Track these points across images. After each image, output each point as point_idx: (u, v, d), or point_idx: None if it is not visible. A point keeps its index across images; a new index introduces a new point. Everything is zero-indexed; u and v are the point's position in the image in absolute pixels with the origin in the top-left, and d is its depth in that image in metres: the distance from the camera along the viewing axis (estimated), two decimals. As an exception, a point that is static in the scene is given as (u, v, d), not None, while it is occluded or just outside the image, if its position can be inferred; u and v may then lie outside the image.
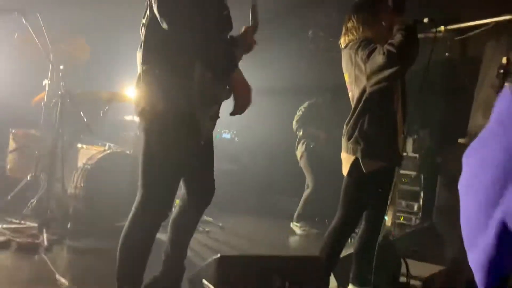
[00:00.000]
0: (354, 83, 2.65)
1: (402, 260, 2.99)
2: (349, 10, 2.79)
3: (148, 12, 2.10)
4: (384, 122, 2.60)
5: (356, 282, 2.86)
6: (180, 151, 2.13)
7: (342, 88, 2.90)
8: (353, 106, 2.66)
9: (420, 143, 5.12)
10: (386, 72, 2.43)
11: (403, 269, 2.98)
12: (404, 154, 5.04)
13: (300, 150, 5.37)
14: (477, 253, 0.52)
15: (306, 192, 5.30)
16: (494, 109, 0.60)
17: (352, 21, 2.71)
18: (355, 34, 2.69)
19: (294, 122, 5.39)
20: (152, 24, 2.07)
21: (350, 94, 2.75)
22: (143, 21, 2.15)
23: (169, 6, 1.95)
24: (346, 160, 2.65)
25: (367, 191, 2.66)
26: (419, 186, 5.03)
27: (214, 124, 2.33)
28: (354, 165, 2.58)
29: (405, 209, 5.09)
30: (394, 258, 3.11)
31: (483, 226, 0.52)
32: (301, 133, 5.34)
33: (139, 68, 2.13)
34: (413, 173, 5.10)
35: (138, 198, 2.14)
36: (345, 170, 2.68)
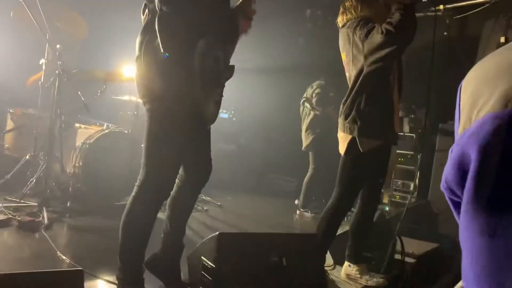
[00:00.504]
0: (352, 62, 2.65)
1: (397, 238, 3.05)
2: None
3: None
4: (381, 101, 2.62)
5: (351, 259, 2.92)
6: (183, 134, 2.16)
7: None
8: (350, 86, 2.67)
9: (417, 122, 5.14)
10: (384, 51, 2.44)
11: (398, 247, 3.05)
12: (401, 133, 5.08)
13: (311, 132, 5.20)
14: None
15: (309, 174, 5.27)
16: None
17: (351, 0, 2.71)
18: (353, 13, 2.69)
19: (314, 101, 5.21)
20: (153, 8, 2.07)
21: (347, 74, 2.76)
22: (145, 10, 2.14)
23: None
24: (343, 139, 2.68)
25: (364, 169, 2.69)
26: (415, 165, 5.08)
27: (219, 108, 2.34)
28: (351, 144, 2.61)
29: (401, 188, 5.15)
30: (389, 235, 3.17)
31: None
32: (317, 113, 5.20)
33: (137, 51, 2.12)
34: (409, 153, 5.14)
35: (141, 177, 2.17)
36: (342, 149, 2.71)
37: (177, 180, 2.36)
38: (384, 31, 2.40)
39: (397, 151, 5.06)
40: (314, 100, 5.22)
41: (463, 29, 5.27)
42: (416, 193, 5.03)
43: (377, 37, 2.44)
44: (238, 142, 6.63)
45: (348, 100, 2.65)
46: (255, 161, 6.68)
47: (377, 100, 2.60)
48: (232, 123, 6.60)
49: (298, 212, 5.24)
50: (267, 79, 6.83)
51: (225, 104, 6.72)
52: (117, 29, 5.23)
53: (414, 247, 3.27)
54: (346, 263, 2.94)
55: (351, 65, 2.66)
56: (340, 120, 2.69)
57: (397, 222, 3.63)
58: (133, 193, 2.20)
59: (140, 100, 5.10)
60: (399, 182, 5.16)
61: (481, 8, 4.40)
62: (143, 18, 2.16)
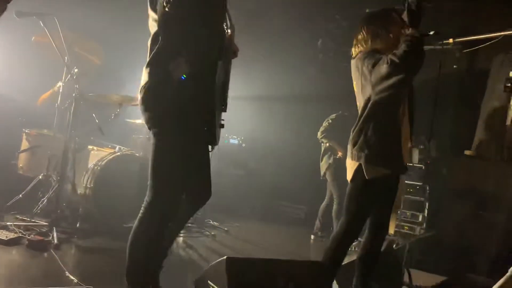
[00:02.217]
0: (361, 92, 2.72)
1: (405, 270, 3.03)
2: (360, 22, 2.87)
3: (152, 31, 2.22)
4: (388, 130, 2.66)
5: None
6: (189, 156, 2.23)
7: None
8: (359, 114, 2.73)
9: (427, 153, 5.15)
10: (390, 81, 2.50)
11: (406, 279, 3.02)
12: (410, 164, 5.08)
13: (325, 161, 5.44)
14: None
15: (325, 204, 5.48)
16: None
17: (362, 33, 2.80)
18: (364, 45, 2.77)
19: (319, 133, 5.50)
20: (155, 39, 2.18)
21: (358, 104, 2.82)
22: (149, 41, 2.25)
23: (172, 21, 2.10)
24: (351, 166, 2.72)
25: (370, 198, 2.71)
26: (424, 196, 5.06)
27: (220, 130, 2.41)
28: (358, 171, 2.64)
29: (409, 219, 5.11)
30: (397, 267, 3.15)
31: None
32: (327, 144, 5.45)
33: (143, 81, 2.20)
34: (418, 184, 5.12)
35: (148, 198, 2.21)
36: (349, 176, 2.74)
37: None
38: (389, 62, 2.47)
39: (406, 181, 5.05)
40: (320, 132, 5.41)
41: (472, 62, 5.33)
42: (424, 224, 5.00)
43: (382, 67, 2.51)
44: (247, 168, 6.66)
45: (356, 128, 2.70)
46: (264, 188, 6.69)
47: (384, 129, 2.64)
48: (242, 149, 6.66)
49: (312, 237, 5.36)
50: (277, 106, 6.92)
51: (235, 130, 6.82)
52: (132, 55, 5.38)
53: (422, 279, 3.24)
54: None
55: (360, 94, 2.73)
56: (349, 147, 2.74)
57: (405, 254, 3.61)
58: (140, 214, 2.24)
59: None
60: (408, 213, 5.13)
61: (490, 43, 4.46)
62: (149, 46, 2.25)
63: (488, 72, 4.57)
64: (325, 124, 5.47)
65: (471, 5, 5.10)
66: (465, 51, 4.94)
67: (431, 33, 2.58)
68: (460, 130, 4.88)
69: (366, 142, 2.62)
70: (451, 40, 5.01)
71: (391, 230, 2.82)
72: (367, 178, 2.59)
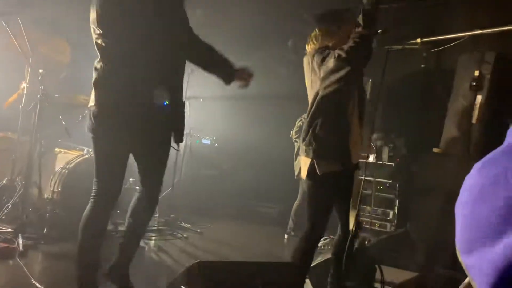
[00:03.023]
0: (310, 87, 2.77)
1: (376, 266, 3.06)
2: (313, 20, 3.02)
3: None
4: (336, 125, 2.69)
5: (334, 287, 2.92)
6: (124, 151, 2.48)
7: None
8: (308, 109, 2.76)
9: (396, 152, 5.24)
10: (337, 75, 2.57)
11: (378, 275, 3.06)
12: (380, 162, 5.16)
13: (299, 161, 5.39)
14: (480, 257, 0.56)
15: (298, 203, 5.40)
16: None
17: (315, 30, 2.91)
18: (315, 42, 2.86)
19: (292, 132, 5.47)
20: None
21: (309, 100, 2.85)
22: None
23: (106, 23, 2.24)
24: (304, 162, 2.74)
25: (327, 193, 2.73)
26: (394, 194, 5.14)
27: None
28: (311, 167, 2.66)
29: (380, 216, 5.20)
30: (369, 264, 3.18)
31: (494, 235, 0.55)
32: (296, 143, 5.41)
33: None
34: (388, 181, 5.21)
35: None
36: (303, 173, 2.76)
37: (136, 193, 2.62)
38: (336, 56, 2.54)
39: (376, 179, 5.13)
40: (293, 131, 5.41)
41: (439, 62, 5.45)
42: (395, 221, 5.08)
43: (330, 61, 2.59)
44: (219, 168, 6.62)
45: (305, 124, 2.73)
46: (237, 188, 6.67)
47: (332, 124, 2.68)
48: (214, 149, 6.61)
49: (286, 236, 5.34)
50: (250, 106, 6.90)
51: (207, 130, 6.77)
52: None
53: (394, 275, 3.29)
54: None
55: (310, 90, 2.78)
56: (301, 144, 2.77)
57: (376, 251, 3.66)
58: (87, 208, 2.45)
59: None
60: (378, 210, 5.21)
61: (456, 42, 4.56)
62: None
63: (454, 71, 4.68)
64: (298, 123, 5.45)
65: (439, 5, 5.22)
66: (432, 50, 5.05)
67: (379, 31, 2.64)
68: (429, 128, 4.99)
69: (314, 137, 2.65)
70: (418, 40, 5.11)
71: (351, 226, 2.84)
72: (319, 173, 2.61)
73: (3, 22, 3.54)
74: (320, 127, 2.65)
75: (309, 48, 2.90)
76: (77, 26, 4.82)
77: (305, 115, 5.41)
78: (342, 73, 2.54)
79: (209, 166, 6.54)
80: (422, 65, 5.38)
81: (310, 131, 2.67)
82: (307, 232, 2.74)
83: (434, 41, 4.96)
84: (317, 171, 2.62)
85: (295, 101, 6.06)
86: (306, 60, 2.85)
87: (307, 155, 2.69)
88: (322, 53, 2.69)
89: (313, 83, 2.74)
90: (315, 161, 2.63)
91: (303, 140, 2.72)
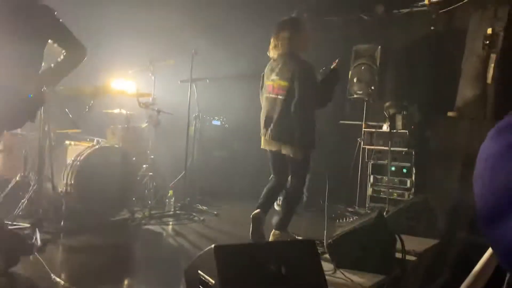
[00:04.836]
0: None
1: (396, 236, 3.01)
2: (276, 29, 3.66)
3: None
4: None
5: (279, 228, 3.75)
6: None
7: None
8: None
9: (409, 119, 5.12)
10: None
11: (398, 245, 3.01)
12: (394, 130, 5.06)
13: None
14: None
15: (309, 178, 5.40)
16: None
17: (277, 38, 3.63)
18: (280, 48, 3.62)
19: None
20: None
21: None
22: None
23: None
24: None
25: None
26: (410, 162, 5.05)
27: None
28: None
29: (398, 186, 5.12)
30: (389, 234, 3.12)
31: None
32: None
33: None
34: (404, 149, 5.11)
35: None
36: None
37: None
38: None
39: (391, 148, 5.04)
40: None
41: (450, 22, 5.26)
42: (413, 189, 5.01)
43: None
44: (231, 149, 6.57)
45: None
46: (249, 168, 6.62)
47: None
48: (225, 130, 6.54)
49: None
50: (256, 84, 6.78)
51: (216, 111, 6.69)
52: (103, 41, 5.19)
53: (414, 245, 3.24)
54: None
55: None
56: None
57: (395, 220, 3.60)
58: None
59: (130, 113, 5.04)
60: (396, 179, 5.13)
61: (466, 1, 4.38)
62: None
63: (466, 31, 4.51)
64: None
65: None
66: (441, 11, 4.86)
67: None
68: (441, 92, 4.85)
69: None
70: (427, 1, 4.92)
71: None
72: None
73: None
74: None
75: (274, 53, 3.75)
76: (76, 17, 4.77)
77: None
78: None
79: (220, 148, 6.49)
80: (432, 27, 5.20)
81: None
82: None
83: (443, 1, 4.77)
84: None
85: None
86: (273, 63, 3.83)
87: None
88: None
89: None
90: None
91: None
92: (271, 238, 3.82)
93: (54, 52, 2.92)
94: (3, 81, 2.53)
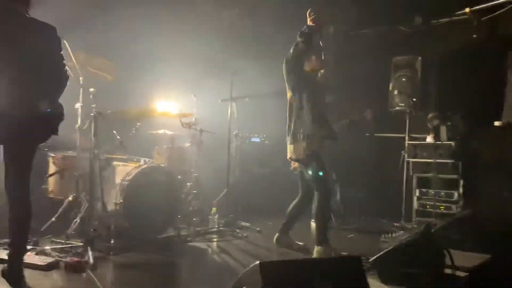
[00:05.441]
0: None
1: (445, 251, 2.93)
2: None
3: None
4: None
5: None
6: None
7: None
8: None
9: (454, 129, 4.99)
10: None
11: (448, 260, 2.92)
12: (439, 142, 4.94)
13: None
14: None
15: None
16: None
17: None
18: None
19: None
20: None
21: None
22: None
23: None
24: None
25: None
26: (457, 174, 4.90)
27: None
28: None
29: (444, 198, 4.97)
30: (437, 249, 3.04)
31: None
32: None
33: None
34: (450, 161, 4.98)
35: None
36: None
37: None
38: None
39: (437, 160, 4.92)
40: None
41: (493, 29, 5.13)
42: (461, 202, 4.85)
43: None
44: (271, 165, 6.60)
45: None
46: (290, 183, 6.61)
47: None
48: (264, 147, 6.60)
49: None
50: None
51: (255, 129, 6.76)
52: (146, 65, 5.42)
53: (464, 260, 3.13)
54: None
55: None
56: None
57: (443, 235, 3.50)
58: None
59: (174, 133, 5.19)
60: (442, 192, 4.99)
61: (509, 7, 4.27)
62: None
63: (510, 37, 4.38)
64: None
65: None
66: (483, 19, 4.76)
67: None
68: (486, 102, 4.71)
69: None
70: (467, 10, 4.83)
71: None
72: None
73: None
74: None
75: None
76: (118, 44, 5.01)
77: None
78: None
79: (260, 164, 6.54)
80: (474, 35, 5.08)
81: None
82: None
83: (485, 8, 4.67)
84: None
85: (344, 94, 5.95)
86: None
87: None
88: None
89: None
90: None
91: None
92: (314, 255, 3.81)
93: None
94: (21, 100, 2.67)
